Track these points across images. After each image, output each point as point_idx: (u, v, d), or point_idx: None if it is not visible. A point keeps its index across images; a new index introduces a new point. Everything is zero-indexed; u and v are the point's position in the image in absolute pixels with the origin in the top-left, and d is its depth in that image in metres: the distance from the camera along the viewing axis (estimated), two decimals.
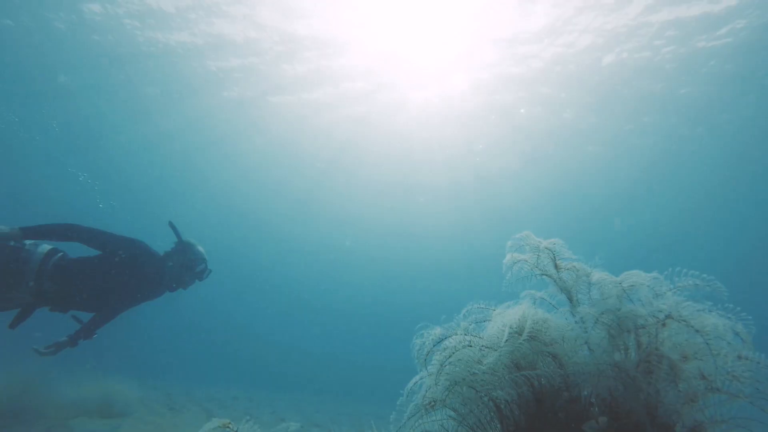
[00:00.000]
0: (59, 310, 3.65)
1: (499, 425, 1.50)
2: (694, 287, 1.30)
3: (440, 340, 1.49)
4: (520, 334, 1.40)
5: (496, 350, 1.42)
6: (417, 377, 1.52)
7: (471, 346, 1.46)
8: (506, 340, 1.41)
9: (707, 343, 1.23)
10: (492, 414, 1.50)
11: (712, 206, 20.43)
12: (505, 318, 1.45)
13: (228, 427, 1.13)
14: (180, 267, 3.86)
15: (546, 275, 1.53)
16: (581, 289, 1.50)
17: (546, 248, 1.54)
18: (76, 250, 3.78)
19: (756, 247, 23.00)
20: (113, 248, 3.55)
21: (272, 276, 32.89)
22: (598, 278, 1.44)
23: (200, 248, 4.01)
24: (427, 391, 1.51)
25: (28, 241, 3.48)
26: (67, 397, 6.58)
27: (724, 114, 14.34)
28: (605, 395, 1.38)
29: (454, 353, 1.45)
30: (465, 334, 1.49)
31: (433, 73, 13.45)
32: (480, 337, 1.49)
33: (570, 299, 1.51)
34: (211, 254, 4.16)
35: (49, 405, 5.67)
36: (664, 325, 1.29)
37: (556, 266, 1.53)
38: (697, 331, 1.27)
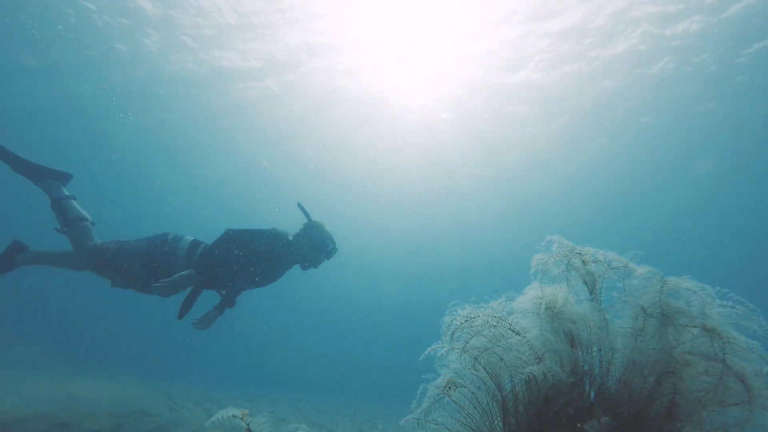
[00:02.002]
0: (212, 289, 4.02)
1: (501, 424, 1.48)
2: (741, 313, 1.28)
3: (468, 319, 1.48)
4: (552, 311, 1.39)
5: (521, 334, 1.41)
6: (434, 345, 1.51)
7: (496, 327, 1.45)
8: (540, 318, 1.40)
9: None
10: (495, 412, 1.49)
11: (714, 205, 20.46)
12: (537, 294, 1.45)
13: (244, 417, 1.13)
14: (311, 247, 4.02)
15: (573, 268, 1.51)
16: (608, 281, 1.47)
17: (578, 253, 1.52)
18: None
19: (757, 246, 23.02)
20: (254, 243, 3.83)
21: None
22: (646, 272, 1.41)
23: (327, 228, 4.15)
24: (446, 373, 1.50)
25: (170, 235, 3.89)
26: (66, 397, 6.56)
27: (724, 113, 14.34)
28: (613, 389, 1.36)
29: (480, 332, 1.44)
30: (492, 316, 1.48)
31: (437, 74, 13.46)
32: (507, 322, 1.48)
33: (591, 291, 1.49)
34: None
35: (48, 405, 5.65)
36: (709, 330, 1.26)
37: (583, 261, 1.52)
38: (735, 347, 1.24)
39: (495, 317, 1.48)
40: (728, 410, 1.21)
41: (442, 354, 1.50)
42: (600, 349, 1.42)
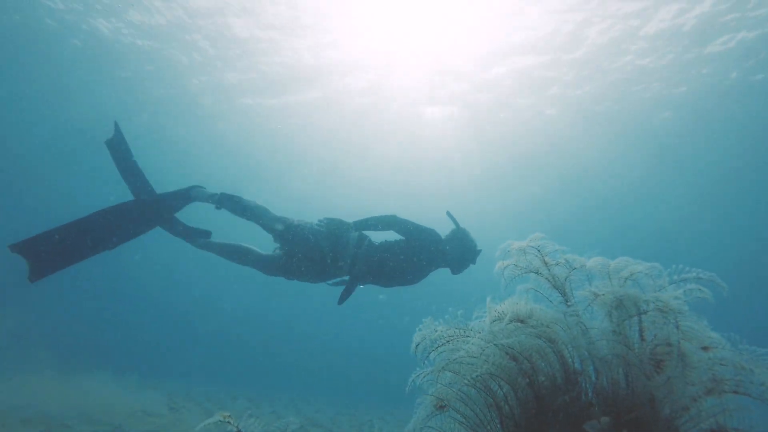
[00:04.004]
0: (369, 283, 4.20)
1: (499, 425, 1.49)
2: (696, 280, 1.30)
3: (435, 331, 1.52)
4: (506, 320, 1.42)
5: (481, 335, 1.44)
6: (414, 375, 1.54)
7: (468, 336, 1.48)
8: (492, 321, 1.43)
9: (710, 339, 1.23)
10: (493, 413, 1.50)
11: (714, 205, 20.44)
12: (497, 307, 1.48)
13: (228, 420, 1.14)
14: (459, 252, 4.16)
15: (536, 273, 1.53)
16: (575, 283, 1.49)
17: (530, 246, 1.54)
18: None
19: (758, 246, 22.99)
20: (414, 236, 4.00)
21: None
22: (596, 263, 1.43)
23: (472, 235, 4.30)
24: (431, 389, 1.53)
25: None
26: (67, 397, 6.57)
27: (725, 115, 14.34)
28: (608, 387, 1.37)
29: (447, 342, 1.48)
30: (454, 327, 1.52)
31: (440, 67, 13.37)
32: (470, 329, 1.52)
33: (563, 294, 1.50)
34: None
35: (49, 405, 5.66)
36: (665, 313, 1.28)
37: (545, 263, 1.53)
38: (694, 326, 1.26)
39: (456, 327, 1.52)
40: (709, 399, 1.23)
41: (420, 376, 1.54)
42: (586, 351, 1.43)
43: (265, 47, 12.94)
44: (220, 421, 1.16)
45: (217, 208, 4.14)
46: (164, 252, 30.68)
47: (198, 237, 4.18)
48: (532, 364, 1.40)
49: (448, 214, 4.27)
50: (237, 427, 1.14)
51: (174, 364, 20.93)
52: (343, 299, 4.08)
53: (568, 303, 1.48)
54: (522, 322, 1.44)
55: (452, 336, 1.51)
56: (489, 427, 1.48)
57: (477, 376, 1.40)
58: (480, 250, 4.25)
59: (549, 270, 1.51)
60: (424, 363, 1.54)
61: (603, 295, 1.36)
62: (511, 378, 1.40)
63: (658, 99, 13.98)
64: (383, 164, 20.38)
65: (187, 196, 4.19)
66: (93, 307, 27.11)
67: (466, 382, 1.45)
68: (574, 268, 1.48)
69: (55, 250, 3.68)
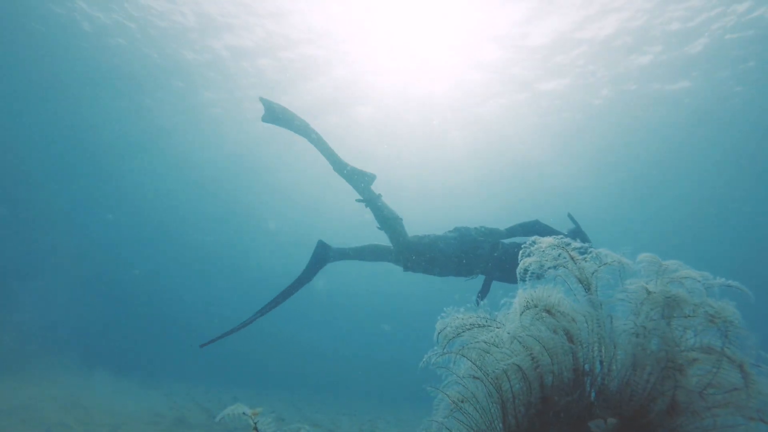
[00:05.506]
0: (503, 281, 4.49)
1: (501, 425, 1.48)
2: (726, 286, 1.29)
3: (457, 318, 1.53)
4: (536, 309, 1.41)
5: (509, 328, 1.43)
6: (431, 352, 1.54)
7: (488, 326, 1.48)
8: (521, 314, 1.42)
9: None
10: (495, 412, 1.49)
11: (718, 205, 20.43)
12: (526, 295, 1.48)
13: (254, 416, 1.15)
14: None
15: (562, 266, 1.51)
16: (602, 278, 1.47)
17: (554, 245, 1.54)
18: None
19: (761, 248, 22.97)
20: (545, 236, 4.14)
21: (270, 271, 32.79)
22: (644, 259, 1.41)
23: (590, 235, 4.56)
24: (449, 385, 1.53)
25: (472, 230, 4.50)
26: (67, 397, 6.58)
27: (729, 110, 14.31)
28: (615, 389, 1.36)
29: (469, 329, 1.48)
30: (477, 315, 1.52)
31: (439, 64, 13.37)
32: (495, 320, 1.51)
33: (588, 288, 1.48)
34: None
35: (49, 405, 5.67)
36: (715, 320, 1.26)
37: (571, 258, 1.52)
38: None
39: (478, 315, 1.51)
40: (730, 411, 1.20)
41: (432, 357, 1.53)
42: (600, 348, 1.42)
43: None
44: (245, 414, 1.16)
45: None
46: (165, 256, 30.76)
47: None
48: (552, 363, 1.40)
49: (570, 216, 4.43)
50: (255, 423, 1.14)
51: (174, 364, 20.94)
52: (481, 298, 4.35)
53: (592, 297, 1.47)
54: (549, 312, 1.44)
55: (474, 324, 1.52)
56: (492, 427, 1.47)
57: (504, 367, 1.39)
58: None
59: (576, 264, 1.50)
60: (444, 351, 1.54)
61: (654, 293, 1.35)
62: (527, 375, 1.40)
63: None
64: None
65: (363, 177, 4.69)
66: (94, 307, 27.12)
67: (479, 375, 1.44)
68: (605, 264, 1.47)
69: (287, 119, 4.56)
